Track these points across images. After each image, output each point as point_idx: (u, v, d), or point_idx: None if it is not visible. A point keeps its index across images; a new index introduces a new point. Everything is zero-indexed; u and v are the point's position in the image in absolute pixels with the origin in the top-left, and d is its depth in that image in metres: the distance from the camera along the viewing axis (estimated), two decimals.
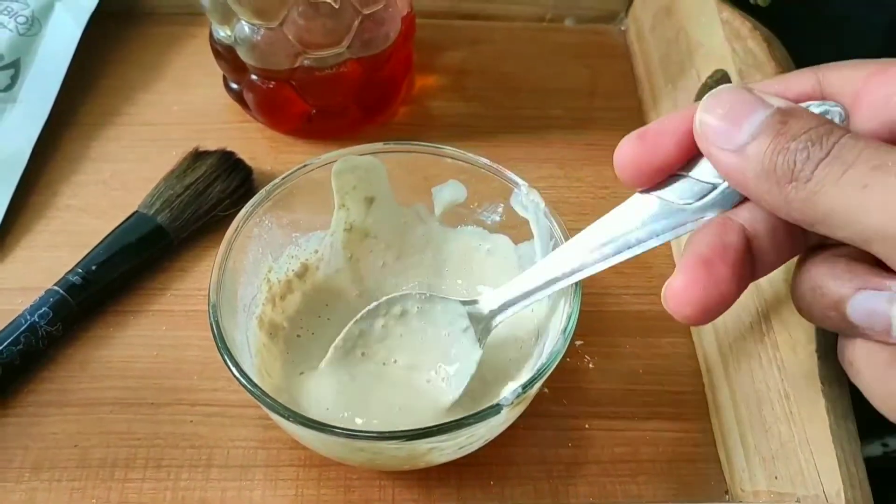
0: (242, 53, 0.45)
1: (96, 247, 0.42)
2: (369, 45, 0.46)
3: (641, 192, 0.30)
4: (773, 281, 0.36)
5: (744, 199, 0.27)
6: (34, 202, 0.46)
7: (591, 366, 0.41)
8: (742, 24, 0.44)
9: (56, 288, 0.40)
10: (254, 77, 0.47)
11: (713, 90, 0.27)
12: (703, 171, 0.28)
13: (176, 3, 0.57)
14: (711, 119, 0.26)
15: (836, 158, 0.23)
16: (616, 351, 0.41)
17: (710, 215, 0.28)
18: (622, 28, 0.59)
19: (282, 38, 0.44)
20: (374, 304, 0.37)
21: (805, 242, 0.28)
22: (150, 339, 0.41)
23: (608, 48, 0.58)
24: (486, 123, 0.52)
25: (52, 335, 0.39)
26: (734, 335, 0.38)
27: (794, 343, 0.34)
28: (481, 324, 0.36)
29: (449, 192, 0.40)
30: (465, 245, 0.41)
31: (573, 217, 0.46)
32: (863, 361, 0.26)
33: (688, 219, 0.28)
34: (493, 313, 0.36)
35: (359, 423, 0.36)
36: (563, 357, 0.33)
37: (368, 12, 0.44)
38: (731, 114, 0.26)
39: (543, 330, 0.37)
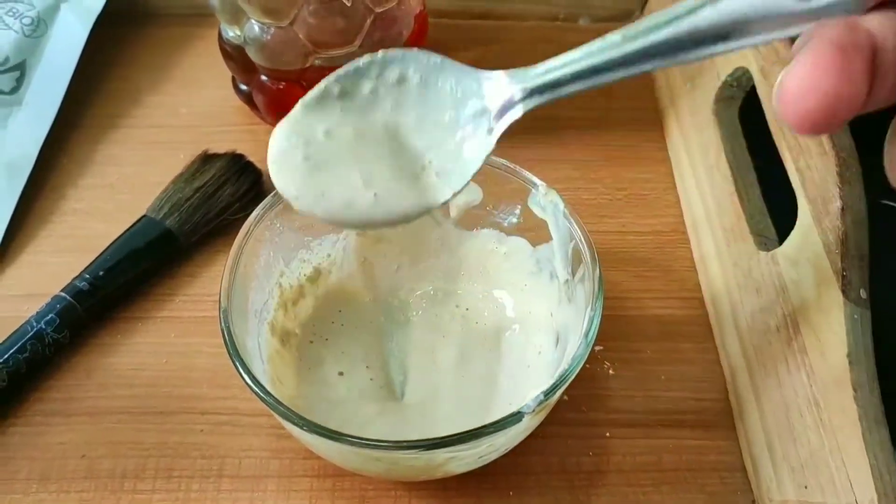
0: (252, 53, 0.45)
1: (104, 252, 0.41)
2: (381, 45, 0.45)
3: None
4: (798, 284, 0.35)
5: (866, 7, 0.23)
6: (40, 207, 0.46)
7: (611, 372, 0.40)
8: None
9: (63, 294, 0.39)
10: (263, 78, 0.46)
11: None
12: None
13: (183, 3, 0.56)
14: None
15: None
16: (636, 356, 0.40)
17: (834, 13, 0.23)
18: None
19: (292, 37, 0.43)
20: (365, 58, 0.28)
21: None
22: (159, 345, 0.40)
23: None
24: None
25: (58, 342, 0.38)
26: (759, 339, 0.37)
27: (823, 347, 0.33)
28: (499, 111, 0.27)
29: (464, 194, 0.39)
30: (481, 248, 0.40)
31: (591, 219, 0.45)
32: None
33: (806, 14, 0.23)
34: (521, 97, 0.27)
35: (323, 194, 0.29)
36: (584, 363, 0.32)
37: (381, 10, 0.43)
38: None
39: (563, 334, 0.36)
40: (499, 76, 0.27)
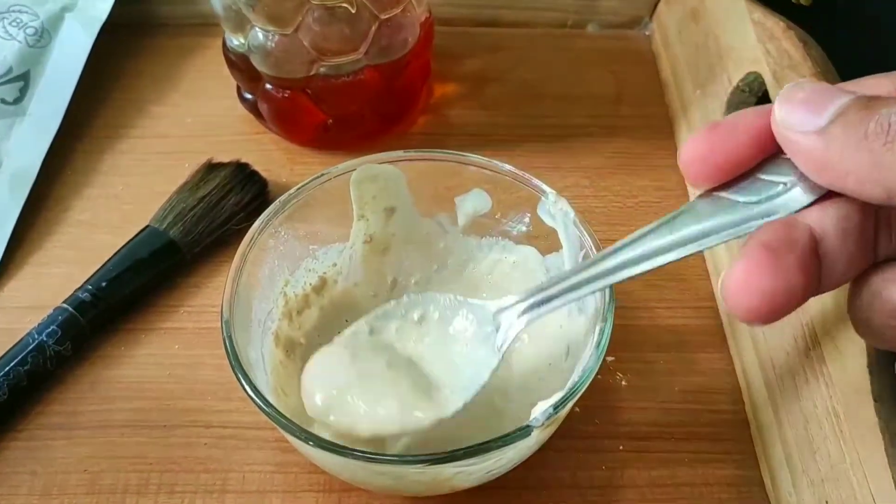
0: (256, 61, 0.44)
1: (107, 262, 0.41)
2: (387, 52, 0.45)
3: (703, 194, 0.28)
4: None
5: (813, 202, 0.25)
6: (44, 217, 0.45)
7: (623, 383, 0.39)
8: (775, 25, 0.42)
9: (65, 305, 0.39)
10: (268, 86, 0.46)
11: (789, 84, 0.25)
12: (773, 171, 0.26)
13: (188, 13, 0.56)
14: (791, 106, 0.25)
15: None
16: (649, 367, 0.40)
17: (776, 216, 0.26)
18: (647, 33, 0.57)
19: (297, 44, 0.42)
20: (393, 302, 0.34)
21: (873, 256, 0.26)
22: (163, 358, 0.40)
23: (633, 54, 0.56)
24: (507, 132, 0.51)
25: (60, 355, 0.38)
26: (776, 349, 0.36)
27: (842, 357, 0.32)
28: (504, 329, 0.32)
29: (472, 202, 0.39)
30: (489, 257, 0.40)
31: (601, 228, 0.44)
32: None
33: (752, 218, 0.26)
34: (518, 316, 0.32)
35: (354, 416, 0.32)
36: (595, 374, 0.31)
37: (386, 17, 0.43)
38: (812, 99, 0.24)
39: (574, 345, 0.35)
40: (503, 302, 0.33)
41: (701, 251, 0.27)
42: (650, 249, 0.28)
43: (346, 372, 0.32)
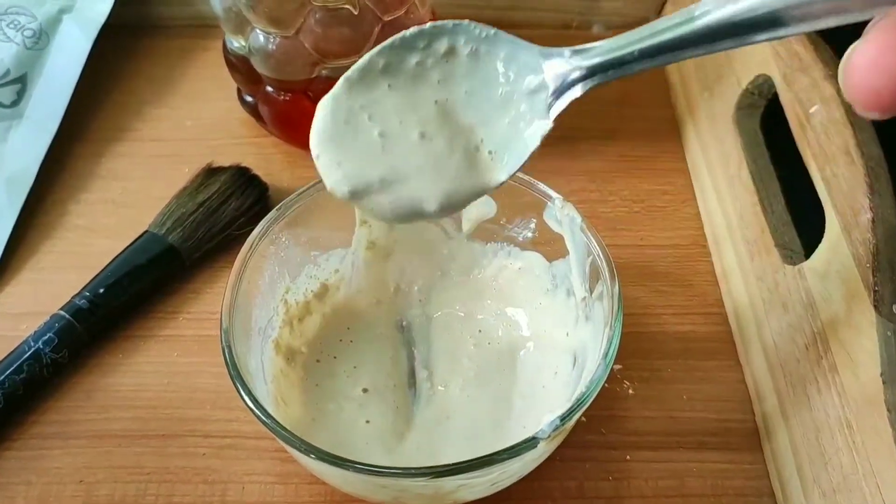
0: (257, 64, 0.43)
1: (105, 268, 0.40)
2: None
3: None
4: (827, 298, 0.34)
5: None
6: (41, 222, 0.45)
7: (630, 392, 0.38)
8: None
9: (62, 312, 0.38)
10: (269, 89, 0.45)
11: None
12: None
13: (188, 15, 0.55)
14: None
15: None
16: (657, 375, 0.39)
17: None
18: None
19: (298, 46, 0.42)
20: (415, 29, 0.27)
21: None
22: (161, 366, 0.39)
23: None
24: None
25: (57, 363, 0.37)
26: (787, 357, 0.36)
27: (854, 366, 0.31)
28: (557, 88, 0.26)
29: (477, 208, 0.38)
30: (494, 263, 0.39)
31: (608, 233, 0.44)
32: None
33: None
34: (582, 75, 0.25)
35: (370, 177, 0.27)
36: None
37: (389, 19, 0.42)
38: None
39: (580, 354, 0.34)
40: (559, 52, 0.26)
41: (820, 28, 0.21)
42: (763, 9, 0.21)
43: (363, 128, 0.27)
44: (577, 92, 0.26)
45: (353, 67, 0.27)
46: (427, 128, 0.27)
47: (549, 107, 0.26)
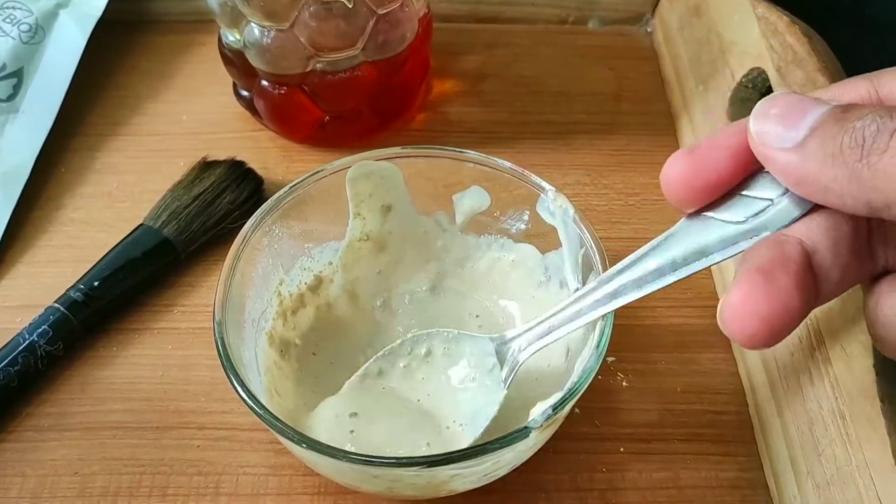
0: (252, 58, 0.43)
1: (100, 261, 0.40)
2: (385, 48, 0.44)
3: (690, 214, 0.28)
4: None
5: (801, 216, 0.25)
6: (36, 216, 0.45)
7: (624, 384, 0.38)
8: (779, 19, 0.41)
9: (57, 305, 0.38)
10: (264, 83, 0.45)
11: (764, 98, 0.25)
12: (758, 188, 0.26)
13: (183, 10, 0.55)
14: (766, 122, 0.24)
15: None
16: (651, 368, 0.39)
17: (765, 234, 0.26)
18: (648, 29, 0.56)
19: (293, 40, 0.42)
20: (399, 341, 0.35)
21: (872, 265, 0.26)
22: (156, 358, 0.39)
23: (634, 50, 0.55)
24: (506, 129, 0.50)
25: (52, 355, 0.37)
26: (780, 350, 0.36)
27: (848, 358, 0.31)
28: (509, 361, 0.34)
29: (471, 200, 0.38)
30: (488, 255, 0.39)
31: (602, 225, 0.44)
32: None
33: (740, 237, 0.26)
34: (521, 349, 0.33)
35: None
36: (595, 375, 0.30)
37: (383, 12, 0.42)
38: (786, 113, 0.24)
39: (574, 346, 0.34)
40: (501, 337, 0.34)
41: (694, 273, 0.27)
42: (647, 273, 0.28)
43: (359, 422, 0.33)
44: (520, 359, 0.33)
45: (355, 375, 0.35)
46: (411, 418, 0.34)
47: (505, 379, 0.33)
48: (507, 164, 0.36)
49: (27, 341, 0.37)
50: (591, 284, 0.31)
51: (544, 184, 0.36)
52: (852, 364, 0.31)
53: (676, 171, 0.27)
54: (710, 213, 0.27)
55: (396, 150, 0.37)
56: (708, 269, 0.42)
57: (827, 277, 0.25)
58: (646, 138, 0.49)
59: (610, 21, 0.57)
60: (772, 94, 0.25)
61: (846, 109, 0.23)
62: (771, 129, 0.24)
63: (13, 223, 0.44)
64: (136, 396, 0.38)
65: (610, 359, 0.39)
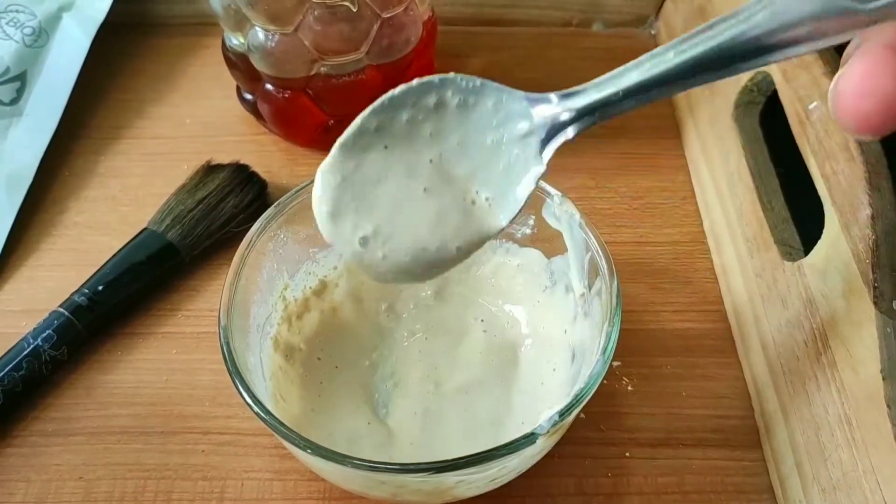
0: (256, 61, 0.43)
1: (104, 266, 0.40)
2: (389, 52, 0.44)
3: None
4: (826, 294, 0.34)
5: None
6: (40, 219, 0.45)
7: (629, 388, 0.38)
8: None
9: (61, 310, 0.38)
10: (268, 86, 0.45)
11: None
12: None
13: (187, 13, 0.55)
14: None
15: None
16: (656, 372, 0.39)
17: (889, 18, 0.21)
18: (652, 32, 0.56)
19: (297, 44, 0.42)
20: (401, 88, 0.27)
21: None
22: (160, 363, 0.39)
23: (638, 53, 0.54)
24: None
25: (56, 360, 0.37)
26: (786, 354, 0.36)
27: (854, 363, 0.31)
28: (548, 131, 0.26)
29: None
30: (493, 260, 0.39)
31: (607, 230, 0.44)
32: None
33: (858, 19, 0.21)
34: (571, 118, 0.25)
35: (369, 231, 0.27)
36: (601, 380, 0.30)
37: (388, 16, 0.42)
38: None
39: (579, 351, 0.34)
40: (546, 97, 0.26)
41: (798, 54, 0.22)
42: (745, 38, 0.22)
43: (362, 190, 0.27)
44: (568, 134, 0.26)
45: (346, 132, 0.27)
46: (425, 183, 0.27)
47: (541, 150, 0.26)
48: None
49: (32, 346, 0.37)
50: (666, 49, 0.24)
51: (550, 189, 0.36)
52: (858, 369, 0.31)
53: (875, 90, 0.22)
54: None
55: None
56: (712, 269, 0.42)
57: None
58: (650, 142, 0.49)
59: (614, 23, 0.57)
60: None
61: None
62: None
63: (17, 227, 0.44)
64: (141, 401, 0.38)
65: (615, 363, 0.39)
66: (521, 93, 0.26)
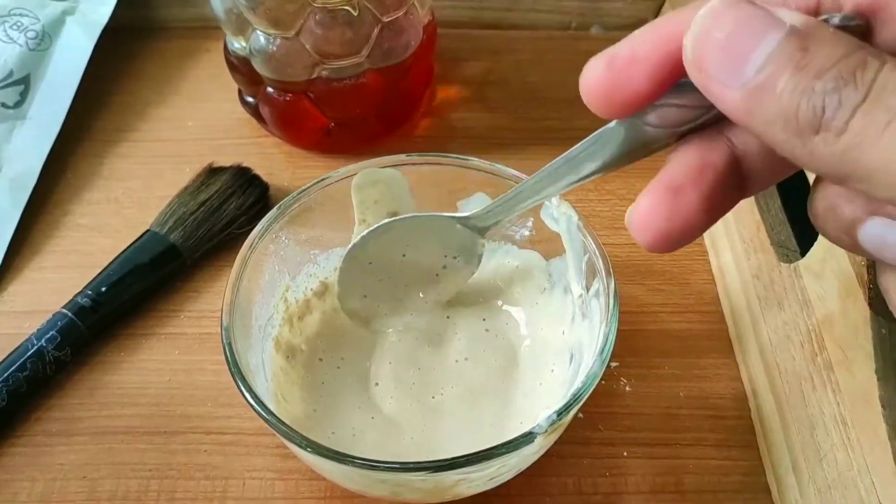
0: (258, 65, 0.44)
1: (107, 267, 0.41)
2: (389, 55, 0.44)
3: (617, 122, 0.25)
4: (822, 296, 0.34)
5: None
6: (44, 221, 0.45)
7: (627, 389, 0.39)
8: None
9: (64, 311, 0.38)
10: (270, 90, 0.45)
11: (706, 5, 0.20)
12: (693, 97, 0.22)
13: (189, 16, 0.55)
14: (708, 44, 0.20)
15: (878, 103, 0.18)
16: (654, 373, 0.39)
17: (691, 137, 0.23)
18: None
19: (298, 48, 0.42)
20: (361, 236, 0.35)
21: None
22: (163, 363, 0.39)
23: None
24: (510, 135, 0.50)
25: (60, 360, 0.38)
26: (782, 355, 0.36)
27: (849, 363, 0.32)
28: (474, 230, 0.35)
29: (475, 206, 0.38)
30: (492, 261, 0.39)
31: (605, 231, 0.44)
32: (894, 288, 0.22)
33: (667, 139, 0.24)
34: (484, 222, 0.34)
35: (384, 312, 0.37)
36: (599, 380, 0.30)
37: (388, 20, 0.42)
38: (733, 39, 0.20)
39: (577, 351, 0.35)
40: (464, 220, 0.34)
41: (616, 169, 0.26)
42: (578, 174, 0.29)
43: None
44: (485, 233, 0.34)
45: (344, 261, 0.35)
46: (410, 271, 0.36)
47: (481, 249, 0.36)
48: (512, 170, 0.37)
49: (35, 347, 0.37)
50: (535, 175, 0.31)
51: None
52: (854, 370, 0.31)
53: (592, 81, 0.25)
54: (637, 119, 0.24)
55: (402, 157, 0.37)
56: (709, 271, 0.43)
57: (756, 178, 0.24)
58: None
59: (613, 27, 0.57)
60: (715, 3, 0.20)
61: (805, 44, 0.19)
62: (713, 58, 0.20)
63: (21, 229, 0.44)
64: (144, 401, 0.38)
65: (613, 364, 0.39)
66: (445, 216, 0.35)
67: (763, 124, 0.20)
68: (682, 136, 0.24)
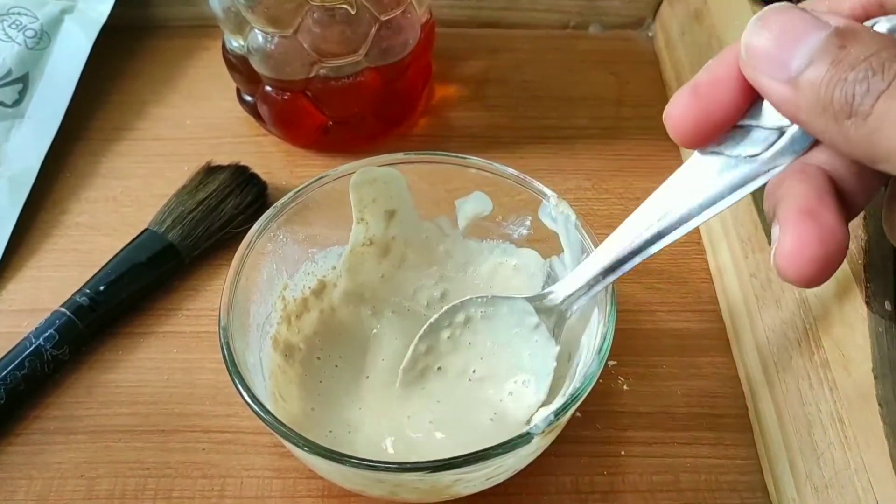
0: (256, 63, 0.44)
1: (105, 266, 0.41)
2: (387, 54, 0.44)
3: (701, 151, 0.26)
4: (819, 294, 0.34)
5: (817, 141, 0.24)
6: (42, 220, 0.45)
7: (625, 387, 0.39)
8: None
9: (62, 309, 0.38)
10: (268, 88, 0.45)
11: (760, 11, 0.23)
12: (767, 116, 0.25)
13: (188, 15, 0.55)
14: (759, 44, 0.23)
15: None
16: (652, 371, 0.39)
17: (782, 164, 0.25)
18: (649, 34, 0.57)
19: (296, 46, 0.42)
20: (436, 315, 0.35)
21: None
22: (161, 362, 0.39)
23: (635, 55, 0.56)
24: (508, 134, 0.50)
25: (58, 359, 0.38)
26: (779, 353, 0.36)
27: (846, 362, 0.32)
28: (552, 316, 0.34)
29: (473, 205, 0.38)
30: (490, 260, 0.39)
31: (603, 230, 0.43)
32: None
33: (759, 171, 0.25)
34: (565, 303, 0.33)
35: (449, 445, 0.34)
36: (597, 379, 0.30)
37: (386, 19, 0.42)
38: (781, 37, 0.22)
39: (575, 350, 0.35)
40: (542, 294, 0.34)
41: (717, 214, 0.27)
42: (674, 220, 0.28)
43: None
44: (569, 314, 0.34)
45: (403, 368, 0.36)
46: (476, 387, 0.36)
47: (553, 334, 0.34)
48: (510, 169, 0.37)
49: (34, 345, 0.37)
50: (615, 236, 0.31)
51: (546, 190, 0.36)
52: (851, 368, 0.31)
53: (680, 113, 0.26)
54: (721, 149, 0.26)
55: (400, 155, 0.37)
56: (707, 270, 0.43)
57: (854, 201, 0.24)
58: (647, 143, 0.49)
59: (611, 26, 0.57)
60: (767, 8, 0.23)
61: (844, 43, 0.21)
62: (764, 53, 0.23)
63: (19, 227, 0.44)
64: (142, 400, 0.38)
65: (611, 363, 0.39)
66: (521, 298, 0.34)
67: (807, 113, 0.22)
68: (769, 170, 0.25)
